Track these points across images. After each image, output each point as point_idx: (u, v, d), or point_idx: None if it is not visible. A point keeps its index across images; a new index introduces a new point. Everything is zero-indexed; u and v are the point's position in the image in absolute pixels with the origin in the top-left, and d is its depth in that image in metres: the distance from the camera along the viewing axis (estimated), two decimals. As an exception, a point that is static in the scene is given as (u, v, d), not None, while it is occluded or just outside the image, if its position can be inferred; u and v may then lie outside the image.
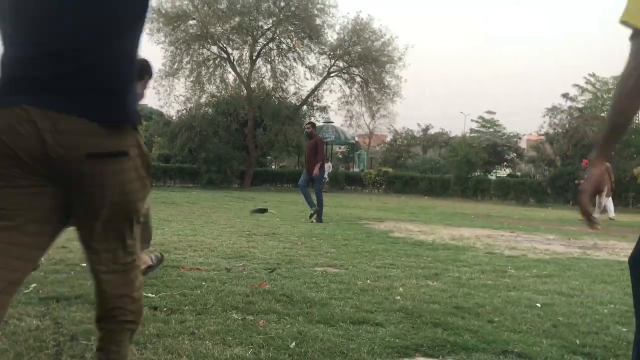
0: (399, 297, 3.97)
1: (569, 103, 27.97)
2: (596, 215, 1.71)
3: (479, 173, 28.96)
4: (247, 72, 28.04)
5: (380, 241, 7.58)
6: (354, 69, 29.45)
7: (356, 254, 6.18)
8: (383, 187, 29.50)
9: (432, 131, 46.79)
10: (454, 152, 29.59)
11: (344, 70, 29.50)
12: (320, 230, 8.56)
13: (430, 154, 36.16)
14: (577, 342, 3.08)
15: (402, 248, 6.92)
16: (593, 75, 27.82)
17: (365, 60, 28.49)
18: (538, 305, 3.94)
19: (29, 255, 1.64)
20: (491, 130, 35.80)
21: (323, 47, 28.53)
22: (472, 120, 39.24)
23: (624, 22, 1.62)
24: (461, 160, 27.57)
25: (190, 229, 7.78)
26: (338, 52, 28.46)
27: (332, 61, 28.88)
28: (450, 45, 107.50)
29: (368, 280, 4.59)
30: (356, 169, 37.10)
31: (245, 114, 26.97)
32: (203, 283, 4.10)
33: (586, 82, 27.87)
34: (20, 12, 1.59)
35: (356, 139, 44.42)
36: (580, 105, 27.75)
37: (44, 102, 1.54)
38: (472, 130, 39.88)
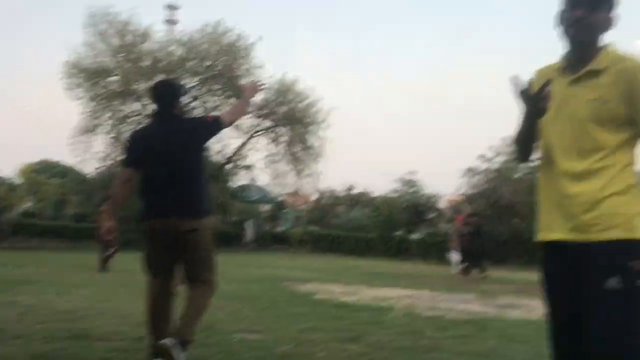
0: (318, 364, 3.89)
1: (485, 164, 29.38)
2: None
3: (401, 232, 29.54)
4: (171, 130, 27.76)
5: (303, 304, 7.49)
6: (280, 128, 29.85)
7: (277, 318, 6.06)
8: (309, 246, 29.47)
9: (355, 191, 47.64)
10: (377, 211, 30.14)
11: (269, 129, 29.82)
12: (242, 293, 8.36)
13: (354, 213, 36.62)
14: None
15: (325, 311, 6.85)
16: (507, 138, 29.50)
17: (291, 120, 28.98)
18: (457, 367, 3.96)
19: None
20: (412, 190, 36.95)
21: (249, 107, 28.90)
22: (393, 180, 40.40)
23: None
24: (384, 219, 28.08)
25: (103, 294, 7.39)
26: (264, 112, 28.81)
27: (258, 120, 29.19)
28: (372, 106, 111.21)
29: (289, 346, 4.48)
30: (281, 228, 36.98)
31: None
32: (112, 355, 3.86)
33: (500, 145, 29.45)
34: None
35: (282, 198, 44.56)
36: (495, 166, 29.18)
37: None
38: (393, 190, 41.03)
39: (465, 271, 15.31)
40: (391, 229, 28.45)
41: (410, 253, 27.21)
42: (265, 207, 44.89)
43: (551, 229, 2.08)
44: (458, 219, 18.12)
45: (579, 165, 2.04)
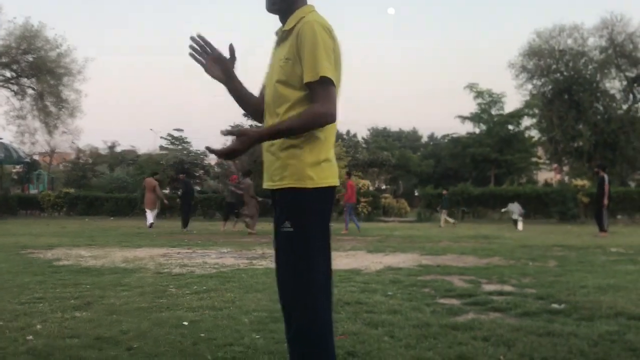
0: (31, 337, 3.53)
1: (250, 122, 30.00)
2: None
3: (167, 191, 28.89)
4: None
5: (39, 272, 6.80)
6: (25, 79, 26.62)
7: (1, 291, 5.39)
8: (64, 209, 27.20)
9: (119, 148, 45.19)
10: (140, 170, 28.96)
11: (12, 81, 26.40)
12: (-37, 266, 7.30)
13: (117, 173, 34.65)
14: (209, 357, 3.13)
15: (62, 277, 6.32)
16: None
17: (39, 71, 26.01)
18: (185, 323, 3.94)
19: None
20: (180, 147, 36.29)
21: (-16, 53, 25.10)
22: (161, 137, 39.20)
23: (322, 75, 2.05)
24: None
25: None
26: (3, 60, 25.34)
27: (-4, 69, 25.62)
28: (136, 58, 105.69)
29: (1, 322, 3.99)
30: (34, 191, 33.41)
31: None
32: None
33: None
34: None
35: (35, 157, 40.15)
36: (260, 125, 30.02)
37: None
38: (161, 148, 39.81)
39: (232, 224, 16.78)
40: (156, 187, 27.60)
41: (175, 210, 26.83)
42: (15, 168, 40.13)
43: (264, 178, 2.30)
44: (232, 179, 18.92)
45: (271, 121, 2.22)
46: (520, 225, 17.94)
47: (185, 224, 16.57)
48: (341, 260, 7.95)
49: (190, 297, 5.07)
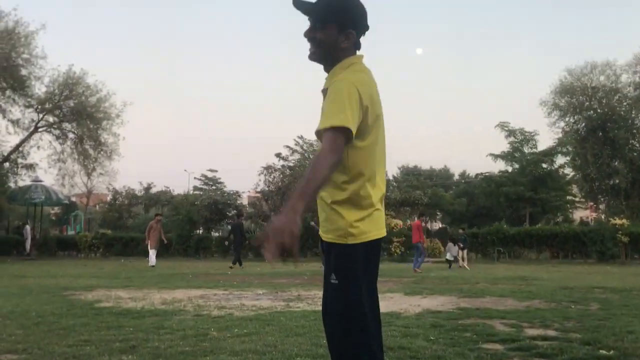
0: (82, 381, 3.62)
1: (281, 162, 30.39)
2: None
3: (201, 231, 29.22)
4: None
5: (82, 314, 6.95)
6: (67, 124, 27.57)
7: (48, 333, 5.53)
8: (101, 250, 27.68)
9: (154, 190, 46.02)
10: (175, 210, 29.40)
11: (54, 126, 27.38)
12: (10, 308, 7.50)
13: (152, 213, 35.25)
14: (258, 403, 3.16)
15: (105, 320, 6.44)
16: (301, 137, 30.84)
17: (79, 116, 26.93)
18: (230, 368, 3.98)
19: None
20: (213, 187, 36.78)
21: (30, 99, 26.17)
22: (195, 178, 39.84)
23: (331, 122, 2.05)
24: (183, 218, 27.51)
25: None
26: (47, 106, 26.36)
27: (41, 115, 26.59)
28: (171, 105, 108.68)
29: (52, 365, 4.10)
30: (72, 232, 34.15)
31: None
32: None
33: (295, 144, 30.72)
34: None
35: (72, 199, 41.18)
36: (291, 164, 30.34)
37: None
38: (195, 188, 40.44)
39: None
40: (191, 227, 27.96)
41: (210, 252, 27.08)
42: (53, 210, 41.18)
43: None
44: None
45: None
46: (461, 262, 18.74)
47: (238, 262, 18.12)
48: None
49: (232, 340, 5.11)
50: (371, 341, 2.19)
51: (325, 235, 2.27)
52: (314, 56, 2.32)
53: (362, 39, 2.37)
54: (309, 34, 2.29)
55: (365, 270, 2.24)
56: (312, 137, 30.25)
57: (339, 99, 2.09)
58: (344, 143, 2.06)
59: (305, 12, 2.29)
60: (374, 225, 2.24)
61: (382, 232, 2.29)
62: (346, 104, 2.07)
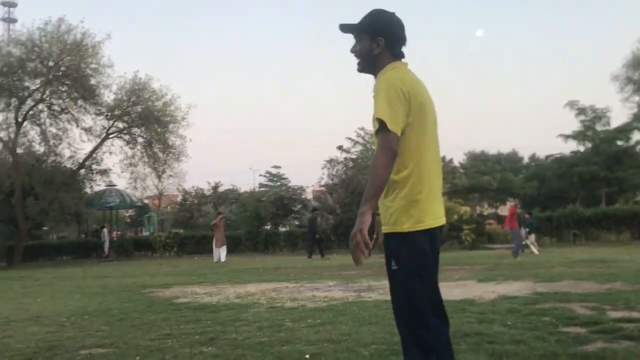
0: (167, 372, 3.76)
1: (344, 155, 30.36)
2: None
3: (269, 226, 29.67)
4: (12, 136, 25.51)
5: (162, 310, 7.22)
6: (136, 129, 28.57)
7: (131, 328, 5.78)
8: (174, 249, 28.61)
9: (222, 188, 47.08)
10: (243, 207, 29.96)
11: (124, 131, 28.43)
12: (95, 307, 7.89)
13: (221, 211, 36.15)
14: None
15: (184, 314, 6.67)
16: (362, 128, 30.68)
17: (147, 121, 27.81)
18: (307, 357, 4.03)
19: None
20: (278, 183, 37.25)
21: (100, 107, 27.27)
22: (260, 175, 40.48)
23: (377, 118, 2.24)
24: (250, 215, 28.01)
25: None
26: (117, 113, 27.40)
27: (111, 122, 27.68)
28: (235, 101, 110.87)
29: (137, 357, 4.28)
30: (146, 233, 35.51)
31: (12, 183, 24.31)
32: None
33: (357, 135, 30.60)
34: None
35: (145, 201, 42.75)
36: (353, 156, 30.27)
37: None
38: (260, 185, 41.10)
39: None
40: (259, 223, 28.43)
41: (278, 246, 27.47)
42: (128, 212, 42.88)
43: None
44: None
45: None
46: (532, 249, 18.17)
47: (320, 253, 19.88)
48: (451, 291, 7.78)
49: (307, 330, 5.17)
50: (430, 323, 2.31)
51: (384, 227, 2.41)
52: (359, 67, 2.56)
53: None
54: (352, 49, 2.55)
55: (420, 257, 2.33)
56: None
57: (379, 99, 2.29)
58: (395, 138, 2.23)
59: (349, 32, 2.55)
60: (426, 214, 2.34)
61: (437, 221, 2.38)
62: (384, 101, 2.27)
